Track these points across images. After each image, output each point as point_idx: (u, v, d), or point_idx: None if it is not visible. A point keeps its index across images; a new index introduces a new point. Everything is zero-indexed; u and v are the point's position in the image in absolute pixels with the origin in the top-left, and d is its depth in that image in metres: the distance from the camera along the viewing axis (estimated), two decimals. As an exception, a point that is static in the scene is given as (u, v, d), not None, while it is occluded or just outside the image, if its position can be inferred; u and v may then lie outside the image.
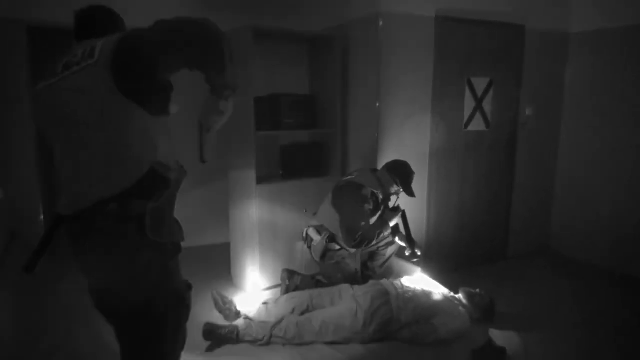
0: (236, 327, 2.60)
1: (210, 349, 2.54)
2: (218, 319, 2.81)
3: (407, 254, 3.23)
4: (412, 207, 3.33)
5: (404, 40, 3.50)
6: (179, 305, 1.51)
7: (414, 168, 3.22)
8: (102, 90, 1.28)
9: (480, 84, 3.70)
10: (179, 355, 1.59)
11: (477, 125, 3.76)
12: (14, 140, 3.60)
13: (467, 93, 3.66)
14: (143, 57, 1.31)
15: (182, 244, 1.56)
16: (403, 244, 3.23)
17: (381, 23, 3.31)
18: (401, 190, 3.13)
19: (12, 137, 3.58)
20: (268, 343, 2.56)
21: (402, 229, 3.27)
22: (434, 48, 3.46)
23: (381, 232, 3.11)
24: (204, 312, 2.91)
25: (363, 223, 3.03)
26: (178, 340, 1.56)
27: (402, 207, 3.25)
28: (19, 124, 3.59)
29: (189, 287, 1.60)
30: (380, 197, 3.13)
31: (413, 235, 3.31)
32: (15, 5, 3.53)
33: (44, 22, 3.67)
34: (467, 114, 3.69)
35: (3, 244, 3.30)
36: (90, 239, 1.38)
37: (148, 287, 1.42)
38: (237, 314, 2.82)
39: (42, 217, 3.78)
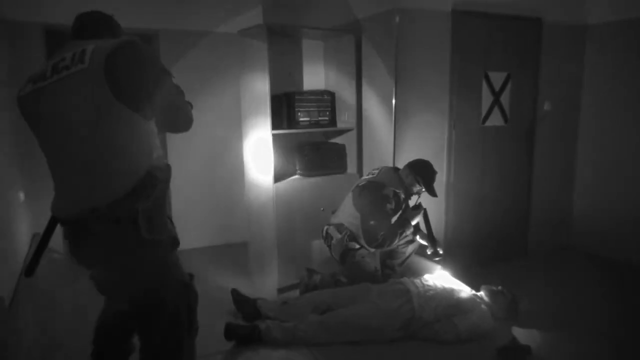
0: (257, 326, 2.61)
1: (232, 350, 2.54)
2: (238, 318, 2.82)
3: (428, 252, 3.21)
4: (431, 204, 3.30)
5: (420, 35, 3.47)
6: (186, 293, 1.57)
7: (430, 162, 3.20)
8: (97, 96, 1.28)
9: (497, 78, 3.65)
10: (194, 341, 1.64)
11: (495, 120, 3.71)
12: (35, 144, 3.62)
13: (485, 88, 3.61)
14: (139, 64, 1.36)
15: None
16: (424, 243, 3.21)
17: (398, 19, 3.28)
18: (423, 189, 3.11)
19: (33, 141, 3.61)
20: (289, 343, 2.56)
21: (423, 227, 3.25)
22: (451, 43, 3.40)
23: (403, 231, 3.09)
24: (224, 312, 2.92)
25: (384, 223, 3.01)
26: (193, 327, 1.61)
27: (422, 205, 3.23)
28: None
29: (191, 276, 1.65)
30: (402, 196, 3.11)
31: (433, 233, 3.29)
32: (31, 9, 3.56)
33: (61, 25, 3.69)
34: (484, 109, 3.64)
35: (27, 245, 3.34)
36: (86, 242, 1.41)
37: (151, 283, 1.46)
38: (257, 314, 2.82)
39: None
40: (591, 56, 4.04)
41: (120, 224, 1.35)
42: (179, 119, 1.56)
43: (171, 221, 1.55)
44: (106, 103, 1.29)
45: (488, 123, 3.68)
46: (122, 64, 1.31)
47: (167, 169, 1.49)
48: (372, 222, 3.00)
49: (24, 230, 3.31)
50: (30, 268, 1.44)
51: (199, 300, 1.65)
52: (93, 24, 1.53)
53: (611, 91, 3.93)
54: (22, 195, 3.32)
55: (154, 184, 1.39)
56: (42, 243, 1.43)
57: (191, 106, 1.66)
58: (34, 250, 1.45)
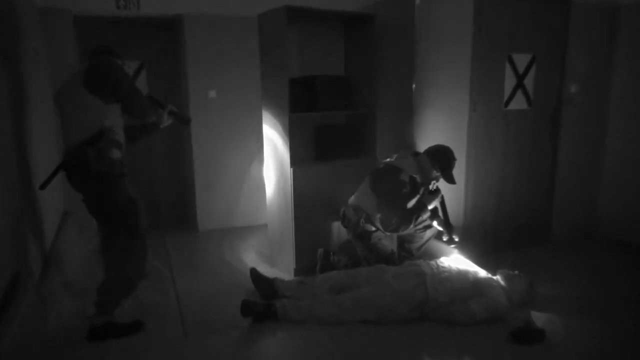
0: (272, 304, 2.67)
1: (248, 326, 2.62)
2: (256, 297, 2.89)
3: (444, 239, 3.21)
4: (450, 188, 3.28)
5: (441, 17, 3.42)
6: (131, 202, 2.47)
7: (451, 148, 3.17)
8: (78, 87, 2.33)
9: (521, 60, 3.57)
10: (142, 231, 2.52)
11: (518, 103, 3.63)
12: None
13: (508, 70, 3.54)
14: (99, 71, 2.38)
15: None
16: (441, 229, 3.21)
17: (418, 1, 3.23)
18: (441, 176, 3.10)
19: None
20: (303, 321, 2.62)
21: (440, 213, 3.24)
22: (473, 24, 3.34)
23: (419, 215, 3.09)
24: (242, 290, 3.00)
25: (399, 208, 3.02)
26: (139, 222, 2.50)
27: (441, 190, 3.22)
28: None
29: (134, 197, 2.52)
30: (419, 181, 3.10)
31: (451, 219, 3.27)
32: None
33: (90, 11, 3.81)
34: (507, 92, 3.57)
35: (57, 223, 3.50)
36: (69, 171, 2.42)
37: (107, 195, 2.41)
38: (274, 293, 2.88)
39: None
40: (623, 37, 3.89)
41: (79, 159, 2.34)
42: (133, 108, 2.48)
43: (122, 163, 2.44)
44: (81, 91, 2.33)
45: (511, 106, 3.61)
46: (92, 70, 2.36)
47: (111, 131, 2.39)
48: (387, 206, 3.01)
49: (54, 209, 3.46)
50: (44, 184, 2.43)
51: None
52: (97, 53, 2.52)
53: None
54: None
55: (100, 138, 2.35)
56: (55, 171, 2.44)
57: (175, 112, 2.81)
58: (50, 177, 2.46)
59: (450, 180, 3.11)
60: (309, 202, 3.31)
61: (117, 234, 2.49)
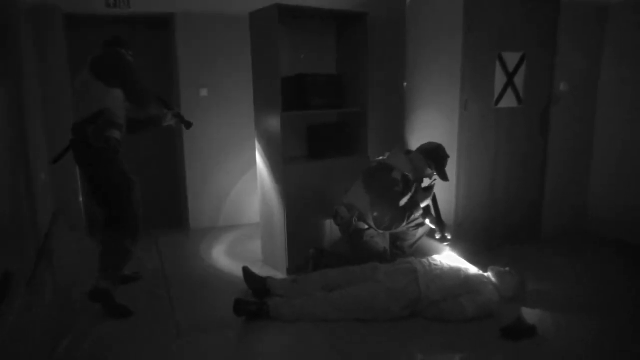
0: (265, 303, 2.67)
1: (241, 325, 2.62)
2: (249, 296, 2.89)
3: (436, 237, 3.23)
4: (441, 186, 3.30)
5: (432, 16, 3.43)
6: (125, 178, 2.73)
7: (443, 146, 3.19)
8: (87, 75, 2.61)
9: (511, 58, 3.59)
10: (138, 209, 2.77)
11: (509, 101, 3.65)
12: (57, 127, 3.75)
13: (498, 68, 3.56)
14: (105, 60, 2.67)
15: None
16: (433, 227, 3.23)
17: (409, 0, 3.24)
18: (435, 173, 3.11)
19: (55, 124, 3.74)
20: (297, 320, 2.62)
21: (432, 211, 3.27)
22: (463, 23, 3.36)
23: (411, 213, 3.10)
24: (235, 289, 2.99)
25: (392, 206, 3.03)
26: (133, 198, 2.74)
27: (433, 187, 3.24)
28: (64, 111, 3.75)
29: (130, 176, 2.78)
30: (412, 179, 3.11)
31: (443, 217, 3.29)
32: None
33: (80, 9, 3.78)
34: (497, 90, 3.59)
35: (48, 222, 3.47)
36: (72, 146, 2.70)
37: (102, 169, 2.67)
38: (267, 291, 2.88)
39: (81, 198, 3.94)
40: (612, 36, 3.93)
41: (80, 134, 2.62)
42: (135, 96, 2.71)
43: (119, 142, 2.68)
44: (89, 78, 2.61)
45: (501, 105, 3.63)
46: (98, 60, 2.64)
47: (110, 112, 2.63)
48: (380, 204, 3.02)
49: (45, 209, 3.44)
50: (56, 159, 2.72)
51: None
52: (110, 44, 2.79)
53: (633, 73, 3.81)
54: (43, 176, 3.44)
55: (99, 116, 2.60)
56: (67, 148, 2.71)
57: (179, 115, 3.14)
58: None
59: (444, 177, 3.13)
60: (301, 201, 3.31)
61: (111, 207, 2.73)
